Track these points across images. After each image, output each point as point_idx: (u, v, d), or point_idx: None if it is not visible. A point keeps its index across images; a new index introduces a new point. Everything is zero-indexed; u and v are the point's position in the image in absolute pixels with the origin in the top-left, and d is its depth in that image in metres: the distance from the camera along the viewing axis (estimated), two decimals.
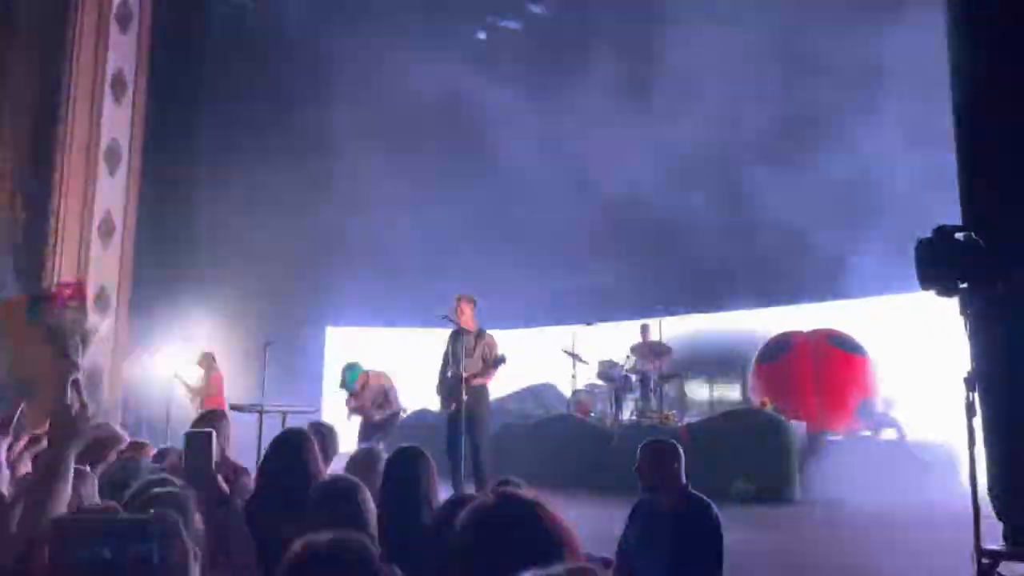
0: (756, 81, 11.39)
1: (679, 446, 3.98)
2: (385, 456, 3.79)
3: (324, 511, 2.47)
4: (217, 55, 13.44)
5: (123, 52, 12.02)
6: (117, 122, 11.88)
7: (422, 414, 11.50)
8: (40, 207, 11.05)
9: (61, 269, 11.09)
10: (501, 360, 7.66)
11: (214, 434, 2.50)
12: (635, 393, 11.06)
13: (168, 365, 10.88)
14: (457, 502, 2.43)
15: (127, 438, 4.08)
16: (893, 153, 9.58)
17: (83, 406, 1.82)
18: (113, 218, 11.72)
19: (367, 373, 8.90)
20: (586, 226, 13.02)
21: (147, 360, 11.07)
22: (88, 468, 2.87)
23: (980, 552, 4.11)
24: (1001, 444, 4.63)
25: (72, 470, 1.79)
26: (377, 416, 8.77)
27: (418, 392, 10.96)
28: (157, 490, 2.15)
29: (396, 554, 2.17)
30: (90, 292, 11.32)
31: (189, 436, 2.54)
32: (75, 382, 1.83)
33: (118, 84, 11.91)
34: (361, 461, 3.71)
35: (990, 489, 4.59)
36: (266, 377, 9.16)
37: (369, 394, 8.81)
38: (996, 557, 4.28)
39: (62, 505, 1.77)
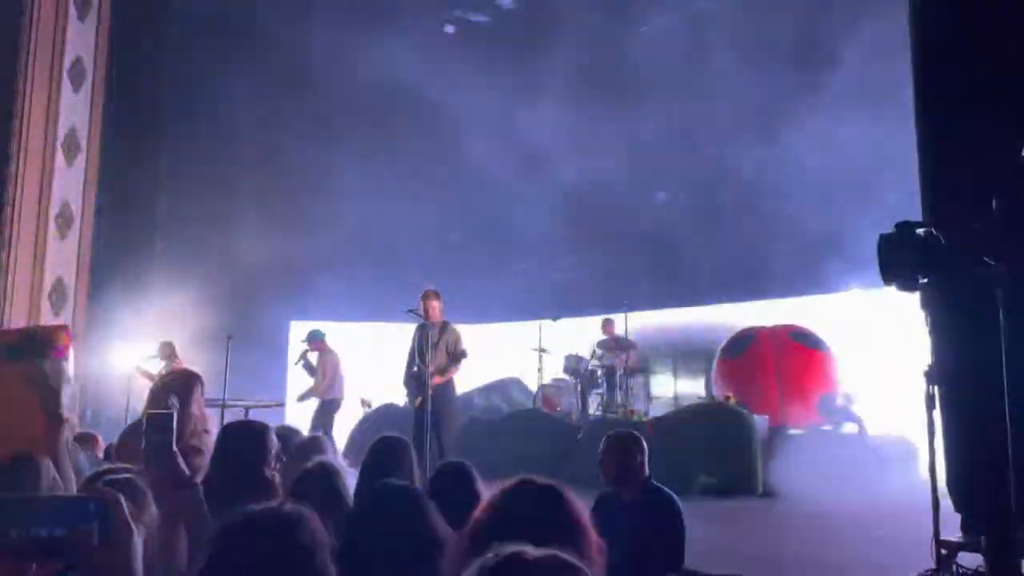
0: (724, 73, 11.45)
1: (642, 438, 3.99)
2: (328, 445, 3.79)
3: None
4: (179, 44, 13.22)
5: (81, 40, 11.76)
6: (75, 111, 11.62)
7: (388, 408, 11.44)
8: None
9: (17, 261, 10.83)
10: (463, 355, 7.65)
11: (175, 415, 2.45)
12: (601, 388, 11.09)
13: (127, 358, 10.69)
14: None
15: (76, 427, 4.01)
16: (859, 151, 9.70)
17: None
18: (71, 209, 11.48)
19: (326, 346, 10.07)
20: (552, 221, 13.03)
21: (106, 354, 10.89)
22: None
23: (939, 543, 4.17)
24: (959, 437, 4.71)
25: None
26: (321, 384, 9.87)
27: (384, 386, 10.91)
28: (110, 477, 2.10)
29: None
30: (47, 287, 11.10)
31: (150, 416, 2.47)
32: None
33: (76, 72, 11.65)
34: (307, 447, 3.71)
35: (948, 481, 4.68)
36: (228, 371, 9.04)
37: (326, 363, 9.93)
38: (954, 548, 4.36)
39: None
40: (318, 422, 9.65)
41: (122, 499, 1.43)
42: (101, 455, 3.98)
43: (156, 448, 2.32)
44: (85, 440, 3.77)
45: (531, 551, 1.14)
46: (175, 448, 2.34)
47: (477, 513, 1.77)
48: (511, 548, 1.14)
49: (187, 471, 2.35)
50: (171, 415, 2.45)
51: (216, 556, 1.53)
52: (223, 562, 1.53)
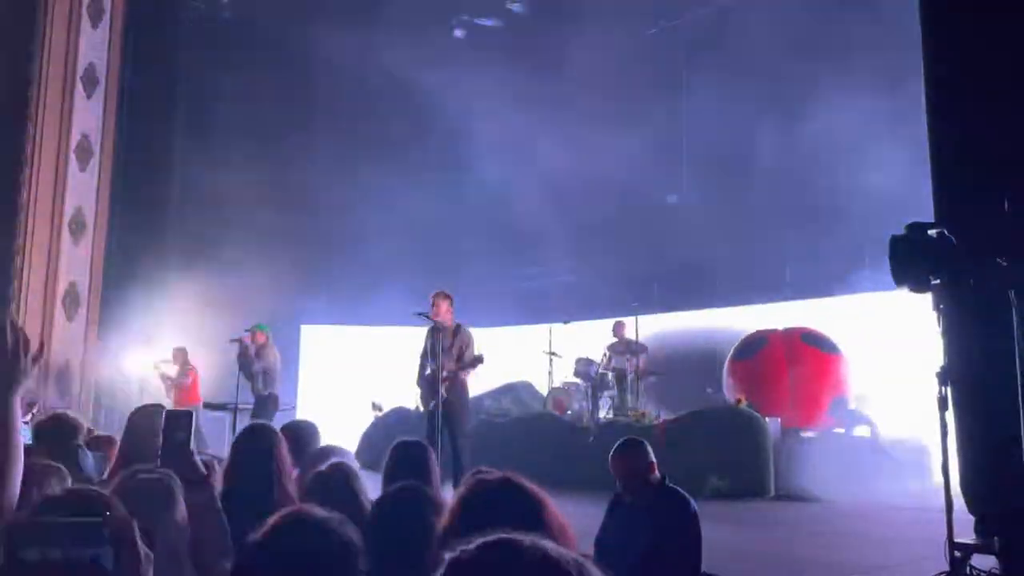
0: (735, 72, 11.42)
1: (644, 442, 3.96)
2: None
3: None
4: (191, 50, 13.30)
5: (94, 46, 11.85)
6: (88, 117, 11.71)
7: (399, 412, 11.46)
8: (9, 203, 10.87)
9: (31, 265, 10.92)
10: (478, 360, 7.60)
11: (194, 414, 2.48)
12: (611, 391, 11.08)
13: (140, 362, 10.77)
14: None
15: (86, 427, 4.03)
16: (869, 156, 9.66)
17: (20, 342, 1.73)
18: (84, 214, 11.56)
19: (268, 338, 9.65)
20: (563, 224, 13.02)
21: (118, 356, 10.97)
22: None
23: (953, 545, 4.15)
24: (972, 438, 4.69)
25: (19, 418, 1.72)
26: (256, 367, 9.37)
27: (395, 390, 10.92)
28: (143, 476, 2.12)
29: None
30: (60, 291, 11.17)
31: (170, 414, 2.49)
32: (12, 323, 1.75)
33: (89, 78, 11.74)
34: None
35: (962, 483, 4.65)
36: (240, 375, 9.09)
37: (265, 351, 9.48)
38: (968, 550, 4.33)
39: (17, 462, 1.72)
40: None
41: (135, 526, 1.44)
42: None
43: (173, 445, 2.34)
44: (100, 443, 3.78)
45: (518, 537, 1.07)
46: (191, 447, 2.36)
47: (448, 513, 1.79)
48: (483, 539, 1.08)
49: (204, 471, 2.36)
50: (191, 413, 2.47)
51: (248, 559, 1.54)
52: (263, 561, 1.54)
